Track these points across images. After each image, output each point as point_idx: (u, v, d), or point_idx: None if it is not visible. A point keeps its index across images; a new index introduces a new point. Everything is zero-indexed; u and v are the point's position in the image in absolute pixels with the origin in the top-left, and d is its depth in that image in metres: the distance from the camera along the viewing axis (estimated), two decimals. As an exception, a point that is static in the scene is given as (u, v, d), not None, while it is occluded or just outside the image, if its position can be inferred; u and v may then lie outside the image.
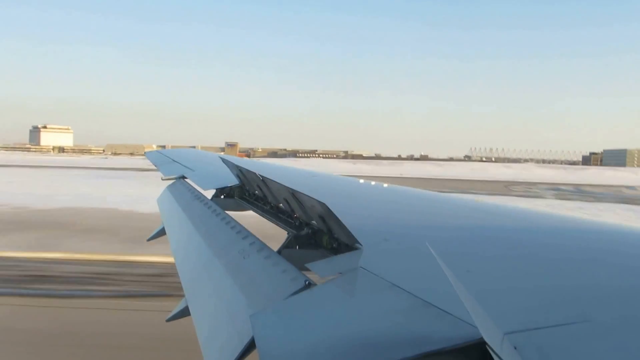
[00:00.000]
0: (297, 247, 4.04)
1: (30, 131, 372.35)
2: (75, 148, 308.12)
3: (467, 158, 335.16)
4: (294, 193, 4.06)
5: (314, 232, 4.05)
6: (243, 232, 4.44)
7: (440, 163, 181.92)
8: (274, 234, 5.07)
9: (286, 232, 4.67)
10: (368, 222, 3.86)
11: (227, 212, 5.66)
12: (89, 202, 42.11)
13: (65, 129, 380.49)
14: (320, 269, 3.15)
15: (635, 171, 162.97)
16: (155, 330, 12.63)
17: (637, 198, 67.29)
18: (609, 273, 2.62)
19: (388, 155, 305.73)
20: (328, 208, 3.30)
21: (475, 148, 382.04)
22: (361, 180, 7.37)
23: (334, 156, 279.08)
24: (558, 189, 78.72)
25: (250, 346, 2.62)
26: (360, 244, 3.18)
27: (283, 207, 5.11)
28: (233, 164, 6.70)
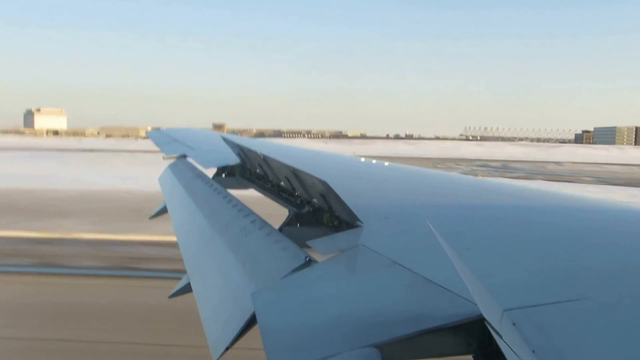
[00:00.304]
0: (298, 224, 4.06)
1: (25, 115, 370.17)
2: (70, 131, 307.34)
3: (463, 137, 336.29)
4: (295, 171, 4.07)
5: (315, 210, 4.07)
6: (244, 210, 4.46)
7: (412, 142, 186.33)
8: (275, 212, 5.09)
9: (287, 210, 4.69)
10: (369, 200, 3.87)
11: (228, 190, 5.67)
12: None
13: (59, 112, 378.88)
14: (321, 247, 3.17)
15: (608, 148, 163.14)
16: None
17: (547, 173, 68.59)
18: (608, 252, 2.63)
19: (374, 135, 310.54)
20: (329, 186, 3.31)
21: (469, 127, 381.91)
22: (362, 159, 7.37)
23: (319, 136, 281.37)
24: (486, 166, 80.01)
25: (251, 322, 2.64)
26: (361, 222, 3.19)
27: (284, 185, 5.12)
28: (234, 142, 6.70)
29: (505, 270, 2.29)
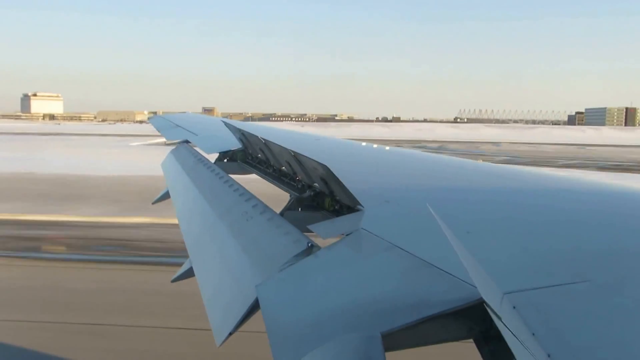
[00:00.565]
0: (300, 209, 4.06)
1: (22, 99, 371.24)
2: (66, 115, 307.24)
3: (458, 120, 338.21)
4: (296, 156, 4.06)
5: (316, 194, 4.07)
6: (246, 195, 4.46)
7: (390, 124, 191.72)
8: (277, 197, 5.10)
9: (289, 195, 4.69)
10: (369, 184, 3.87)
11: (230, 175, 5.68)
12: None
13: (56, 96, 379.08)
14: (322, 230, 3.17)
15: (583, 129, 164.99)
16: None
17: (470, 153, 70.60)
18: (609, 234, 2.62)
19: (362, 118, 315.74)
20: (330, 170, 3.31)
21: (464, 110, 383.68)
22: (363, 143, 7.36)
23: (307, 120, 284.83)
24: (424, 147, 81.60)
25: (254, 308, 2.66)
26: (362, 206, 3.19)
27: (285, 169, 5.12)
28: (236, 127, 6.69)
29: (505, 254, 2.29)
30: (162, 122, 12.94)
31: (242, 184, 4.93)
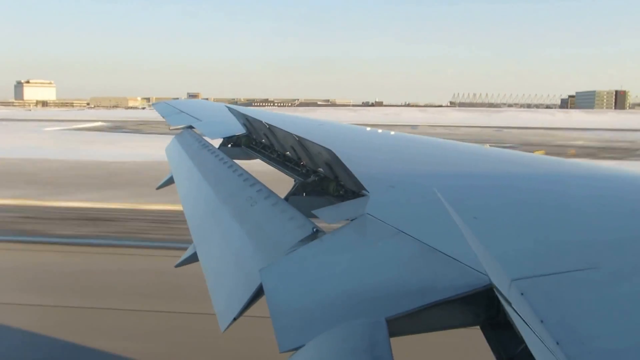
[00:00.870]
0: (304, 194, 4.04)
1: (15, 86, 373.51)
2: (59, 102, 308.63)
3: (452, 104, 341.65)
4: (300, 140, 4.04)
5: (321, 180, 4.05)
6: (250, 180, 4.45)
7: (355, 109, 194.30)
8: (281, 182, 5.09)
9: (293, 180, 4.67)
10: (374, 169, 3.84)
11: (234, 160, 5.66)
12: None
13: (48, 83, 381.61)
14: (327, 216, 3.15)
15: (552, 112, 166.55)
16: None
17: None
18: (618, 220, 2.59)
19: (354, 103, 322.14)
20: (335, 155, 3.28)
21: (458, 94, 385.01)
22: (368, 128, 7.33)
23: (288, 105, 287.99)
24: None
25: (259, 293, 2.64)
26: (367, 191, 3.17)
27: (290, 155, 5.10)
28: (240, 112, 6.67)
29: (513, 240, 2.26)
30: (165, 107, 12.94)
31: (246, 169, 4.92)
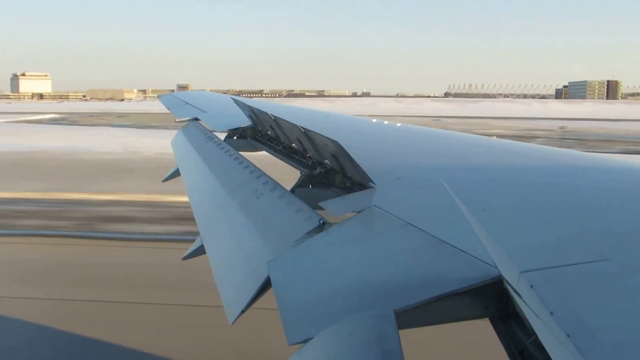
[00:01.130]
0: (310, 186, 4.03)
1: (11, 79, 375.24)
2: (55, 94, 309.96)
3: (448, 95, 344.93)
4: (306, 132, 4.02)
5: (327, 172, 4.03)
6: (256, 172, 4.44)
7: (332, 99, 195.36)
8: (287, 174, 5.07)
9: (299, 172, 4.66)
10: (381, 161, 3.82)
11: (240, 152, 5.65)
12: None
13: (44, 75, 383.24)
14: (333, 208, 3.14)
15: (529, 102, 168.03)
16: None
17: None
18: (628, 213, 2.56)
19: (337, 93, 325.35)
20: (341, 146, 3.26)
21: (453, 85, 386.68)
22: (374, 120, 7.31)
23: (277, 95, 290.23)
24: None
25: (266, 285, 2.64)
26: (373, 183, 3.15)
27: (296, 146, 5.08)
28: (245, 104, 6.65)
29: (522, 231, 2.25)
30: (171, 100, 12.96)
31: (252, 161, 4.91)
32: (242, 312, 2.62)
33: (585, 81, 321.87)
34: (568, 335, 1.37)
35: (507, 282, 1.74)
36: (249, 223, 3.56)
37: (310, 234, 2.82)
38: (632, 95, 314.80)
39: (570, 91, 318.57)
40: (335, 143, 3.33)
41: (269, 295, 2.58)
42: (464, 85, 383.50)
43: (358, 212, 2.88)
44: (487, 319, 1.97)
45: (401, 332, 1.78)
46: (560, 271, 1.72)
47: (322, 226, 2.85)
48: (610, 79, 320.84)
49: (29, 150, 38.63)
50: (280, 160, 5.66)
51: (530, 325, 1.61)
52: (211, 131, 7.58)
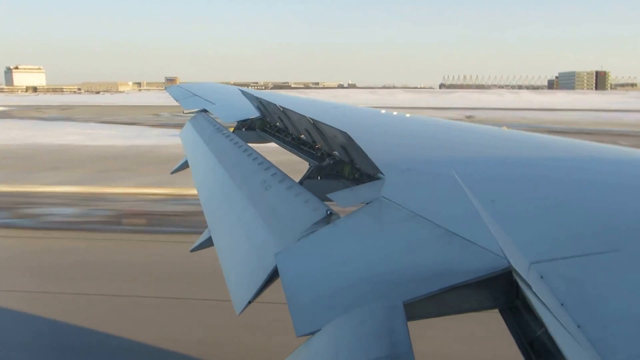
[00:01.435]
0: (319, 177, 4.01)
1: (5, 72, 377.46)
2: (49, 87, 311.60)
3: (443, 86, 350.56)
4: (315, 123, 4.00)
5: (336, 163, 4.02)
6: (265, 164, 4.43)
7: (306, 91, 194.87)
8: (296, 165, 5.06)
9: (308, 163, 4.65)
10: (390, 152, 3.80)
11: (248, 144, 5.65)
12: None
13: (37, 69, 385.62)
14: (342, 199, 3.13)
15: (501, 93, 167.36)
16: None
17: None
18: (639, 203, 2.54)
19: (327, 85, 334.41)
20: (350, 138, 3.24)
21: (448, 76, 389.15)
22: (383, 111, 7.27)
23: (262, 87, 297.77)
24: None
25: (273, 276, 2.64)
26: (382, 174, 3.13)
27: (304, 138, 5.07)
28: (253, 96, 6.64)
29: (532, 222, 2.23)
30: (179, 91, 12.95)
31: (260, 153, 4.90)
32: (249, 302, 2.62)
33: (574, 72, 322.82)
34: (579, 326, 1.36)
35: (517, 273, 1.73)
36: (257, 214, 3.56)
37: (318, 225, 2.81)
38: (622, 85, 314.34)
39: (560, 82, 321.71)
40: (345, 134, 3.31)
41: (276, 286, 2.57)
42: (459, 76, 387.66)
43: (367, 204, 2.86)
44: (497, 310, 1.95)
45: (410, 323, 1.77)
46: (570, 262, 1.71)
47: (330, 217, 2.83)
48: (599, 69, 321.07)
49: None
50: (289, 152, 5.64)
51: (540, 316, 1.59)
52: (219, 123, 7.58)
